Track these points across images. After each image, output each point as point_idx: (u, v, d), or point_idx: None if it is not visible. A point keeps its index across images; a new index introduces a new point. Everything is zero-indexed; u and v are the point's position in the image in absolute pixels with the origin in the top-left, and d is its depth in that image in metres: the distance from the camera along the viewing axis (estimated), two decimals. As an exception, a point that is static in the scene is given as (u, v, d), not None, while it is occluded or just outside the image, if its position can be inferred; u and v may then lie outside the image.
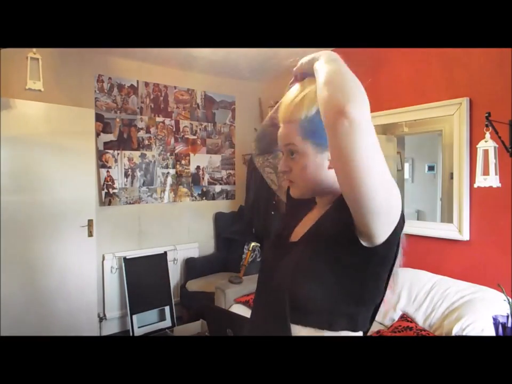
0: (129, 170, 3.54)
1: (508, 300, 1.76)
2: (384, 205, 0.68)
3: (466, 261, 2.37)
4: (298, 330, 0.77)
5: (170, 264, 3.69)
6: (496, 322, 1.69)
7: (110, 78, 3.42)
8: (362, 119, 0.64)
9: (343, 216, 0.74)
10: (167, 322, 3.55)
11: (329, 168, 0.83)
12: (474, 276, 2.26)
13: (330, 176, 0.83)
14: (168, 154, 3.79)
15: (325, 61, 0.72)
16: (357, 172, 0.64)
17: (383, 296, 0.82)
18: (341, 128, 0.63)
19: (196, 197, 3.99)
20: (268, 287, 0.87)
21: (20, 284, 2.88)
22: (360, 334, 0.81)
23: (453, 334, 1.92)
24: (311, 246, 0.81)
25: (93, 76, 3.34)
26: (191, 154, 3.95)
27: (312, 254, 0.79)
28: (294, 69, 0.84)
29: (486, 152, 1.93)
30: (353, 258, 0.75)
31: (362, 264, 0.75)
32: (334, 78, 0.68)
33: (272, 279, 0.85)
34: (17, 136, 2.85)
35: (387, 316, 2.35)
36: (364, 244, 0.72)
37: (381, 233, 0.71)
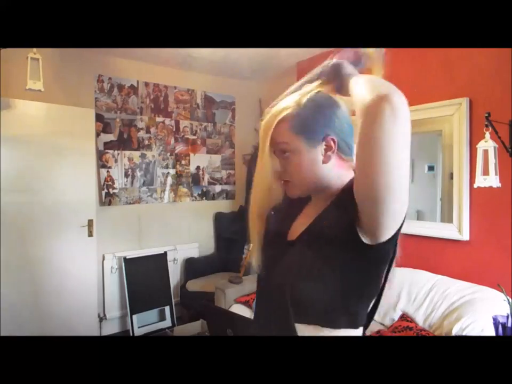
0: (129, 170, 3.55)
1: (508, 299, 1.76)
2: (397, 207, 0.68)
3: (466, 261, 2.37)
4: (301, 329, 0.78)
5: (170, 264, 3.69)
6: (496, 322, 1.69)
7: (110, 78, 3.42)
8: (403, 107, 0.64)
9: (344, 214, 0.75)
10: (167, 322, 3.55)
11: (323, 163, 0.83)
12: (474, 276, 2.26)
13: (326, 171, 0.84)
14: (168, 154, 3.79)
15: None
16: (383, 166, 0.64)
17: (382, 291, 0.83)
18: (383, 114, 0.62)
19: (195, 197, 3.99)
20: (268, 287, 0.87)
21: (20, 284, 2.88)
22: (360, 331, 0.82)
23: (453, 334, 1.92)
24: (312, 245, 0.80)
25: (93, 75, 3.34)
26: (191, 154, 3.95)
27: (313, 253, 0.79)
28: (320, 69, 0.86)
29: (486, 152, 1.93)
30: (354, 256, 0.75)
31: (364, 262, 0.76)
32: (375, 78, 0.73)
33: (272, 278, 0.85)
34: (17, 136, 2.85)
35: (387, 316, 2.35)
36: (366, 241, 0.73)
37: (386, 233, 0.72)
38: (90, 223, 3.19)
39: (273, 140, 0.83)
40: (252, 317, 0.96)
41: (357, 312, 0.80)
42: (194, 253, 3.93)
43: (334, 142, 0.83)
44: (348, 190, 0.81)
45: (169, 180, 3.79)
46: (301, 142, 0.81)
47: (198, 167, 4.00)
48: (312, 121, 0.81)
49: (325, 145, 0.83)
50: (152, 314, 3.53)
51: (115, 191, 3.45)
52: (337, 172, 0.85)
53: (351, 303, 0.78)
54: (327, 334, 0.77)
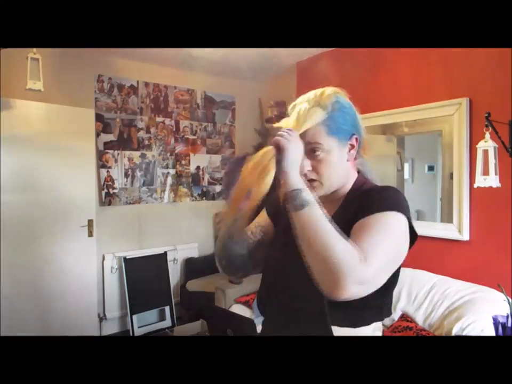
0: (129, 170, 3.54)
1: (508, 299, 1.76)
2: None
3: (466, 261, 2.37)
4: (336, 331, 0.80)
5: (170, 264, 3.69)
6: (496, 322, 1.69)
7: (110, 78, 3.42)
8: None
9: (353, 216, 0.80)
10: (167, 322, 3.55)
11: (347, 161, 0.89)
12: (474, 276, 2.26)
13: (348, 168, 0.90)
14: (168, 154, 3.79)
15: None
16: None
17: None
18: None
19: (195, 197, 3.99)
20: (291, 291, 0.86)
21: (20, 283, 2.88)
22: (380, 324, 0.86)
23: (453, 334, 1.92)
24: None
25: (93, 75, 3.34)
26: (191, 154, 3.95)
27: None
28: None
29: (485, 152, 1.93)
30: None
31: None
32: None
33: (296, 282, 0.83)
34: (17, 136, 2.85)
35: (387, 315, 2.34)
36: None
37: None
38: (90, 223, 3.19)
39: (305, 140, 0.85)
40: (252, 317, 0.95)
41: (383, 305, 0.85)
42: (194, 253, 3.93)
43: (357, 141, 0.90)
44: (354, 192, 0.90)
45: (169, 180, 3.79)
46: (334, 143, 0.86)
47: (198, 167, 4.00)
48: (344, 123, 0.86)
49: (350, 144, 0.89)
50: (152, 314, 3.53)
51: (115, 191, 3.45)
52: (350, 171, 0.92)
53: (378, 298, 0.81)
54: (356, 332, 0.80)
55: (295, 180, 0.77)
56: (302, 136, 0.84)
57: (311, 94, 0.88)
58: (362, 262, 0.67)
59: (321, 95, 0.87)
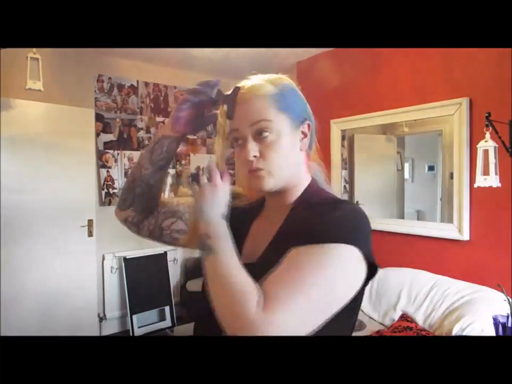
0: (129, 170, 3.55)
1: (508, 299, 1.76)
2: None
3: (466, 261, 2.37)
4: None
5: (170, 264, 3.69)
6: (496, 322, 1.69)
7: (110, 78, 3.42)
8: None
9: (305, 223, 0.68)
10: (167, 322, 3.55)
11: (301, 149, 0.77)
12: (474, 276, 2.26)
13: (300, 162, 0.78)
14: (168, 154, 3.79)
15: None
16: None
17: None
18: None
19: (196, 197, 3.98)
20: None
21: (20, 283, 2.88)
22: None
23: (453, 334, 1.92)
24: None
25: (93, 76, 3.34)
26: (191, 154, 3.95)
27: None
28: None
29: (486, 152, 1.93)
30: None
31: None
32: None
33: None
34: (17, 136, 2.85)
35: (387, 316, 2.35)
36: None
37: None
38: (90, 223, 3.19)
39: (248, 118, 0.74)
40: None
41: None
42: (194, 253, 3.93)
43: (309, 128, 0.78)
44: (303, 201, 0.77)
45: (169, 180, 3.79)
46: (285, 122, 0.74)
47: (198, 167, 4.00)
48: (294, 100, 0.76)
49: (302, 131, 0.77)
50: (152, 314, 3.53)
51: (115, 191, 3.45)
52: (303, 168, 0.79)
53: None
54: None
55: (208, 221, 0.69)
56: (247, 115, 0.73)
57: (264, 76, 0.81)
58: (259, 309, 0.58)
59: (273, 77, 0.80)
